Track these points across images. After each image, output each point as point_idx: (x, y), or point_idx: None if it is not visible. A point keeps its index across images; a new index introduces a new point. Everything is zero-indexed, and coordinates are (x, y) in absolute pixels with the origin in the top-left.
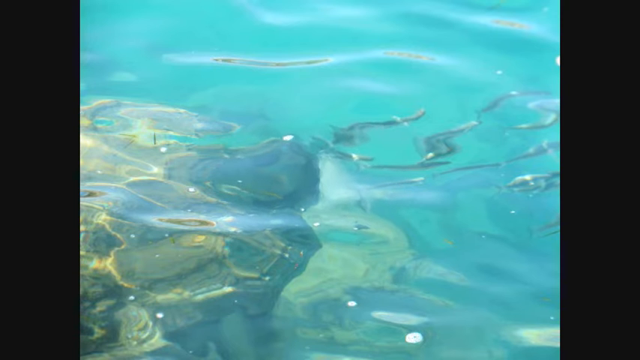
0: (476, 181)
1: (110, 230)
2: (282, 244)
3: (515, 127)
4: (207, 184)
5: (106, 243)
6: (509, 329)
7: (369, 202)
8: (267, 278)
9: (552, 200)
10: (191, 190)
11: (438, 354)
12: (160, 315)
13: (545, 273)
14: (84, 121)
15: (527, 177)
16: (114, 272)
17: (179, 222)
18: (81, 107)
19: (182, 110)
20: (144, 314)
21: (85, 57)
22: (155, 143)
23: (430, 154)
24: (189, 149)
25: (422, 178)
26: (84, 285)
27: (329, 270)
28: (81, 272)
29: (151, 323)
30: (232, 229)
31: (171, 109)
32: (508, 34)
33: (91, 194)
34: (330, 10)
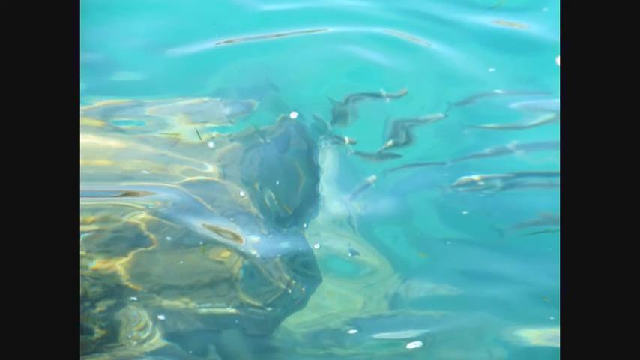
0: (421, 181)
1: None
2: (288, 277)
3: (479, 127)
4: (256, 186)
5: (130, 243)
6: (509, 329)
7: (355, 219)
8: (269, 309)
9: (511, 200)
10: (242, 194)
11: (438, 355)
12: (161, 317)
13: (543, 273)
14: (97, 122)
15: (475, 177)
16: (122, 273)
17: (218, 231)
18: (99, 109)
19: (206, 98)
20: (144, 315)
21: (91, 58)
22: (201, 139)
23: (390, 142)
24: (232, 140)
25: (375, 177)
26: (84, 285)
27: (328, 306)
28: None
29: (151, 323)
30: (253, 252)
31: (196, 100)
32: (507, 34)
33: (141, 194)
34: (330, 0)
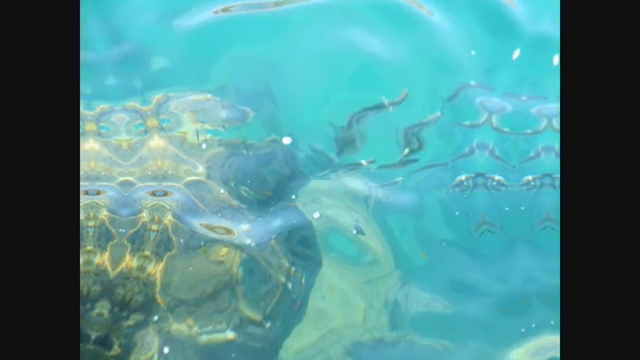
0: (433, 181)
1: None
2: (287, 264)
3: (460, 124)
4: (232, 184)
5: (165, 246)
6: (500, 356)
7: (373, 200)
8: (268, 325)
9: (477, 200)
10: (222, 191)
11: None
12: (166, 350)
13: (494, 277)
14: (153, 122)
15: (462, 177)
16: (158, 282)
17: (212, 228)
18: (141, 107)
19: (209, 96)
20: (155, 344)
21: (126, 49)
22: (198, 140)
23: (406, 150)
24: (220, 144)
25: (401, 178)
26: (133, 290)
27: (328, 314)
28: (135, 275)
29: (156, 356)
30: (248, 241)
31: (201, 96)
32: (497, 8)
33: (166, 193)
34: None
